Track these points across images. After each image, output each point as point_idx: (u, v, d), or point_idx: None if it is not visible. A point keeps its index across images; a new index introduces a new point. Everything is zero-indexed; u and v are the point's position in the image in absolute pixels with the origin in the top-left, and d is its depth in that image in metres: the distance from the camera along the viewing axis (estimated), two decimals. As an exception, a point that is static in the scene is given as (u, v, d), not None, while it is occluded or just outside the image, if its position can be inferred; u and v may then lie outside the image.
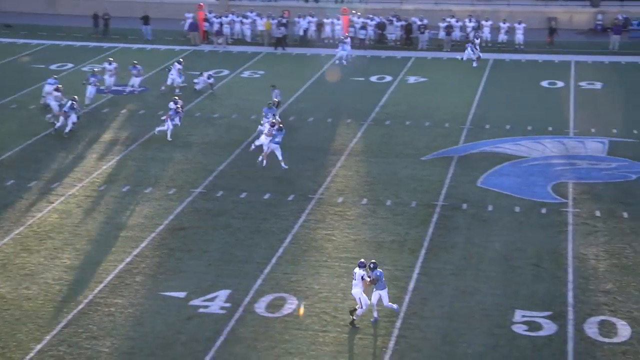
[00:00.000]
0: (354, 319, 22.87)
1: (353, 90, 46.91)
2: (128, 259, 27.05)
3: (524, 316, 23.28)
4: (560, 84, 47.66)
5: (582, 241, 27.95)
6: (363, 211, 30.60)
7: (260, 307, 24.09)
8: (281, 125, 34.96)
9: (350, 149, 36.96)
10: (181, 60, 47.52)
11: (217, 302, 24.38)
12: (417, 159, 35.56)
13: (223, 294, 24.81)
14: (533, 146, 36.99)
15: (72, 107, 38.60)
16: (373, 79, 49.05)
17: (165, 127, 37.87)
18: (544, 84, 47.75)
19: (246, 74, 50.68)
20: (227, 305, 24.20)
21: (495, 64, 52.10)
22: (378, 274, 22.67)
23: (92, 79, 43.34)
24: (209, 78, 46.04)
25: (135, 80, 45.69)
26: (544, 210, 30.36)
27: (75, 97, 39.31)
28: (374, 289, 22.81)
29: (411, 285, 25.13)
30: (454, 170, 34.32)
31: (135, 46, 57.98)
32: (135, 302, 24.42)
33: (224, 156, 36.13)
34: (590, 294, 24.56)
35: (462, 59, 52.56)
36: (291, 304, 24.17)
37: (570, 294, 24.51)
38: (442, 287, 24.83)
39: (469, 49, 52.28)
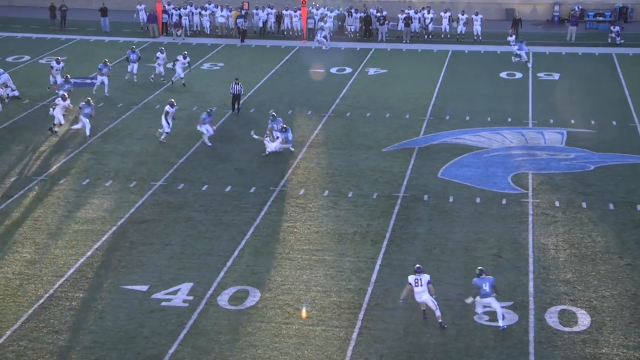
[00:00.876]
0: (439, 322, 22.65)
1: (313, 82, 46.92)
2: (89, 253, 26.86)
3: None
4: (518, 75, 47.99)
5: (542, 231, 28.21)
6: (325, 203, 30.62)
7: (223, 299, 24.05)
8: (285, 126, 35.32)
9: (311, 141, 36.96)
10: (186, 53, 46.79)
11: (179, 295, 24.30)
12: (378, 151, 35.65)
13: (185, 287, 24.73)
14: (493, 137, 37.24)
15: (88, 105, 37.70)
16: (333, 70, 49.05)
17: (206, 133, 36.74)
18: (503, 75, 48.05)
19: (206, 66, 50.46)
20: (190, 298, 24.14)
21: (454, 55, 52.31)
22: (476, 280, 22.60)
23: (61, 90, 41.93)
24: (184, 58, 45.71)
25: (102, 79, 44.34)
26: (504, 201, 30.59)
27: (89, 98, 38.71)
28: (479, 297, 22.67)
29: (374, 276, 25.24)
30: (414, 161, 34.45)
31: (93, 38, 57.50)
32: (96, 296, 24.27)
33: (185, 149, 35.96)
34: (550, 283, 24.80)
35: (521, 60, 50.28)
36: (254, 297, 24.17)
37: (531, 284, 24.74)
38: (404, 278, 24.66)
39: (518, 46, 50.60)
